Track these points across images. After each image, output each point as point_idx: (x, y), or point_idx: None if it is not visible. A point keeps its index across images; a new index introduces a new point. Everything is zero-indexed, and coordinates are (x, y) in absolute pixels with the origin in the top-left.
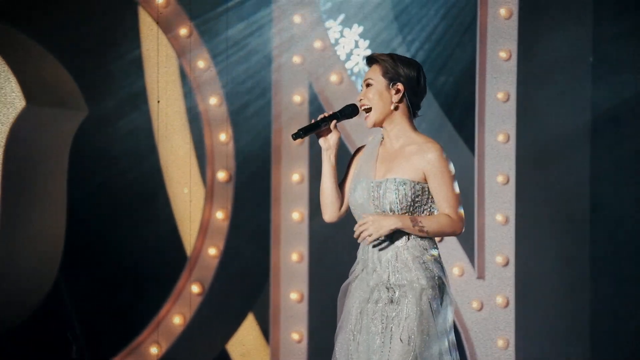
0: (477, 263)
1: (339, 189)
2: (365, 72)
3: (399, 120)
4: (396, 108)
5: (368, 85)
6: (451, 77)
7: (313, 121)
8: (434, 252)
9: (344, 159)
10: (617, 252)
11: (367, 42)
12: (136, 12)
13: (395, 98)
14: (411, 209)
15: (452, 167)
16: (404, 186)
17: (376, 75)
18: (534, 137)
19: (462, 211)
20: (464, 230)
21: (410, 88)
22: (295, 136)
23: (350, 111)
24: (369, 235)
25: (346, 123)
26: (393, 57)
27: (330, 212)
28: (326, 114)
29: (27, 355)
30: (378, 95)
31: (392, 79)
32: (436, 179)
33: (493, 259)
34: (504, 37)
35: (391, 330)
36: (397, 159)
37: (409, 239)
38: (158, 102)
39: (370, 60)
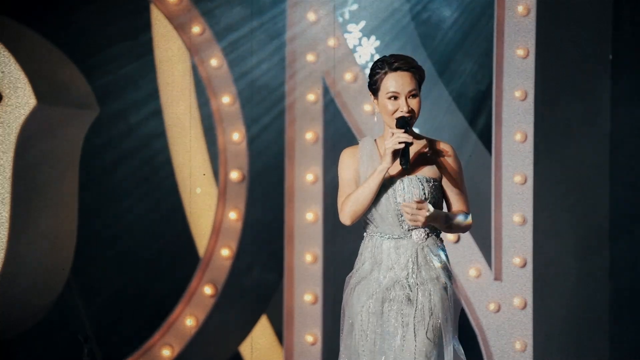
0: (494, 264)
1: None
2: (392, 80)
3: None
4: None
5: (414, 96)
6: (468, 76)
7: (402, 145)
8: (444, 247)
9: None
10: (637, 252)
11: (384, 44)
12: (148, 9)
13: None
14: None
15: (461, 163)
16: (428, 183)
17: (417, 86)
18: (552, 136)
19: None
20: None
21: None
22: (407, 166)
23: (410, 124)
24: (416, 222)
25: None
26: (420, 66)
27: (357, 218)
28: (403, 131)
29: (38, 357)
30: (420, 106)
31: (420, 89)
32: (453, 176)
33: (510, 260)
34: (522, 35)
35: (414, 328)
36: (413, 159)
37: (428, 236)
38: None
39: (407, 69)
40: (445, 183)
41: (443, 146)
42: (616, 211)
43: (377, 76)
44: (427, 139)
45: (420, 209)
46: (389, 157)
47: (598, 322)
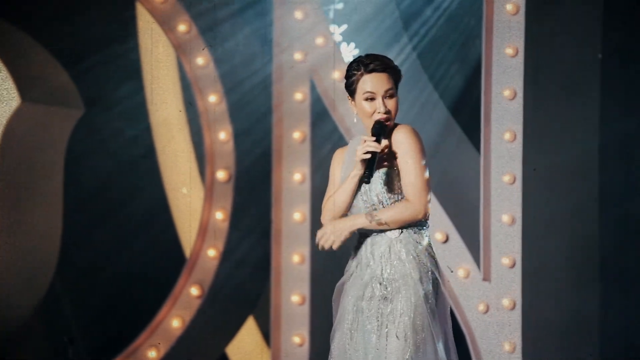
0: (482, 265)
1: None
2: (370, 80)
3: None
4: None
5: (392, 96)
6: (457, 75)
7: (370, 156)
8: (425, 243)
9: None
10: (626, 252)
11: (370, 41)
12: (134, 7)
13: None
14: (400, 197)
15: (420, 147)
16: (387, 175)
17: (394, 86)
18: (541, 136)
19: (425, 194)
20: (428, 214)
21: None
22: (368, 180)
23: (388, 129)
24: (333, 242)
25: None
26: (396, 66)
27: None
28: (373, 139)
29: (23, 358)
30: (398, 105)
31: (397, 88)
32: (401, 159)
33: (499, 261)
34: (511, 33)
35: (387, 327)
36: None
37: (402, 231)
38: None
39: (383, 69)
40: (398, 166)
41: (398, 127)
42: (605, 211)
43: (353, 77)
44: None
45: (320, 237)
46: (359, 165)
47: (587, 323)
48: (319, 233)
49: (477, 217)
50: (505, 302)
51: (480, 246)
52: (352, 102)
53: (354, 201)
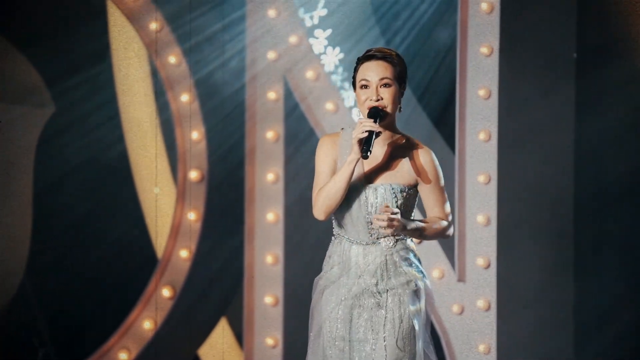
0: (457, 265)
1: None
2: (366, 68)
3: (393, 120)
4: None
5: (386, 85)
6: (431, 74)
7: (366, 134)
8: (414, 248)
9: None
10: (601, 253)
11: (344, 37)
12: (104, 5)
13: (401, 100)
14: (401, 213)
15: (440, 170)
16: (402, 193)
17: (392, 76)
18: (516, 135)
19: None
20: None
21: (406, 85)
22: (366, 156)
23: (384, 114)
24: (385, 229)
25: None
26: (400, 56)
27: (330, 213)
28: (372, 121)
29: None
30: (396, 97)
31: (401, 80)
32: (433, 184)
33: (474, 261)
34: (485, 33)
35: (384, 335)
36: (389, 162)
37: (397, 242)
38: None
39: (379, 57)
40: (422, 190)
41: (423, 150)
42: (581, 211)
43: (355, 67)
44: (407, 138)
45: (391, 220)
46: (356, 147)
47: (562, 324)
48: (391, 211)
49: (452, 218)
50: (480, 303)
51: (455, 247)
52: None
53: (357, 207)
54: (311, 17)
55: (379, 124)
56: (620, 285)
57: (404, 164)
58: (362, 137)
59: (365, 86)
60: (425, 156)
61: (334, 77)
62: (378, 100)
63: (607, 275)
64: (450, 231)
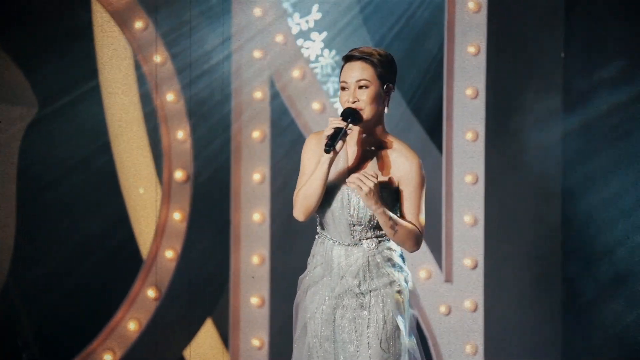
0: (444, 266)
1: None
2: (346, 70)
3: (379, 121)
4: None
5: (363, 86)
6: (419, 73)
7: (334, 129)
8: (399, 251)
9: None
10: (589, 254)
11: (330, 37)
12: (89, 4)
13: (387, 101)
14: None
15: (425, 180)
16: (384, 198)
17: (370, 76)
18: (504, 135)
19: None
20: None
21: (394, 84)
22: (328, 150)
23: (359, 116)
24: (360, 190)
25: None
26: (382, 54)
27: (310, 213)
28: (341, 119)
29: None
30: (376, 98)
31: (384, 80)
32: (411, 191)
33: (461, 262)
34: (473, 32)
35: (368, 336)
36: (373, 166)
37: (379, 243)
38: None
39: (358, 58)
40: (403, 195)
41: (408, 156)
42: (568, 212)
43: (341, 68)
44: (395, 141)
45: (365, 179)
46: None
47: (550, 325)
48: (367, 174)
49: (439, 218)
50: (467, 303)
51: (442, 247)
52: None
53: (337, 209)
54: (307, 22)
55: (359, 124)
56: (610, 287)
57: (388, 167)
58: (328, 134)
59: (344, 88)
60: (409, 161)
61: (332, 79)
62: (355, 102)
63: (597, 275)
64: (419, 243)
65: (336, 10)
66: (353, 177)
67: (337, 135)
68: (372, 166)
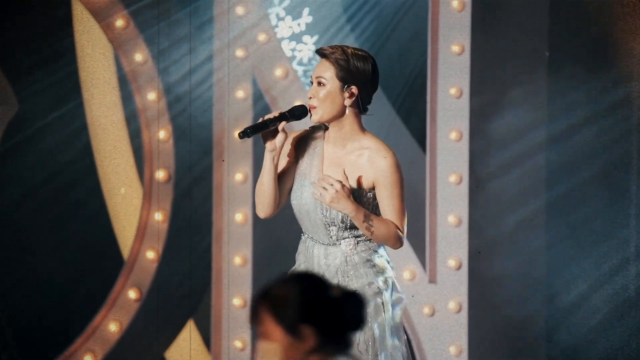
0: (428, 266)
1: (277, 189)
2: (316, 66)
3: (348, 121)
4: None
5: (320, 83)
6: (402, 72)
7: (261, 120)
8: (382, 253)
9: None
10: (575, 255)
11: (314, 35)
12: (69, 3)
13: (348, 102)
14: None
15: (402, 177)
16: (358, 198)
17: (329, 75)
18: (488, 135)
19: (405, 226)
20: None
21: (363, 86)
22: (242, 135)
23: (300, 112)
24: (322, 197)
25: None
26: (347, 54)
27: (266, 210)
28: (275, 114)
29: None
30: (330, 97)
31: (346, 81)
32: (387, 189)
33: (445, 262)
34: (457, 31)
35: None
36: (347, 165)
37: (357, 243)
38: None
39: (322, 55)
40: (377, 194)
41: (384, 154)
42: (553, 212)
43: None
44: (373, 141)
45: (326, 185)
46: (265, 140)
47: (534, 326)
48: (328, 181)
49: (423, 218)
50: (452, 304)
51: (426, 247)
52: None
53: (311, 209)
54: (299, 24)
55: (296, 119)
56: (595, 289)
57: (363, 167)
58: (254, 123)
59: (311, 82)
60: (385, 160)
61: (302, 72)
62: (310, 97)
63: (580, 276)
64: (401, 240)
65: (328, 13)
66: (315, 185)
67: (262, 126)
68: (348, 165)
